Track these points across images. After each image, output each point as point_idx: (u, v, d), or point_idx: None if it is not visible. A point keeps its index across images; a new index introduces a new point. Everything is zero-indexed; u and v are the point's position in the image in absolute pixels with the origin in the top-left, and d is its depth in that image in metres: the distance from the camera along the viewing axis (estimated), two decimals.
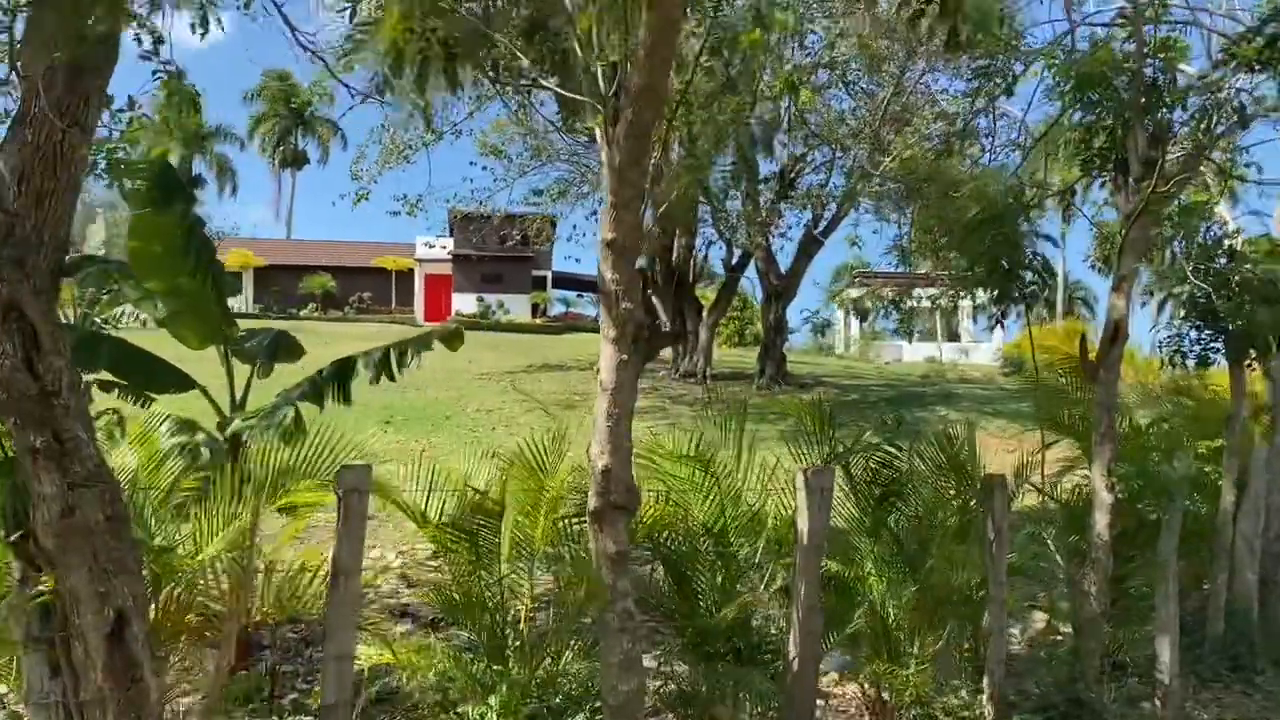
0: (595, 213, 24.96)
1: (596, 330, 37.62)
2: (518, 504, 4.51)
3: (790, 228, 22.28)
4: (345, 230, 63.07)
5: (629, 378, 3.84)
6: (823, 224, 20.82)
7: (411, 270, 46.76)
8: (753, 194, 20.94)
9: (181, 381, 5.71)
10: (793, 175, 21.59)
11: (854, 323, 42.82)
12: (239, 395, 6.02)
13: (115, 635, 2.86)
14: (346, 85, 6.80)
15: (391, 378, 5.97)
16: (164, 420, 5.49)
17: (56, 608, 2.92)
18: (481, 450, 5.76)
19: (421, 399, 19.54)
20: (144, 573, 3.22)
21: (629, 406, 3.87)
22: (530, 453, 4.75)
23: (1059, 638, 7.22)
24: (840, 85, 20.92)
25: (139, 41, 5.04)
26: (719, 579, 4.96)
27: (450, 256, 44.51)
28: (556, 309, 49.03)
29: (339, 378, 5.91)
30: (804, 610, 4.59)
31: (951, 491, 5.80)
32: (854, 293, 34.31)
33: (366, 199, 22.34)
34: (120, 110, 6.60)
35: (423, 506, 4.87)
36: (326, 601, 3.50)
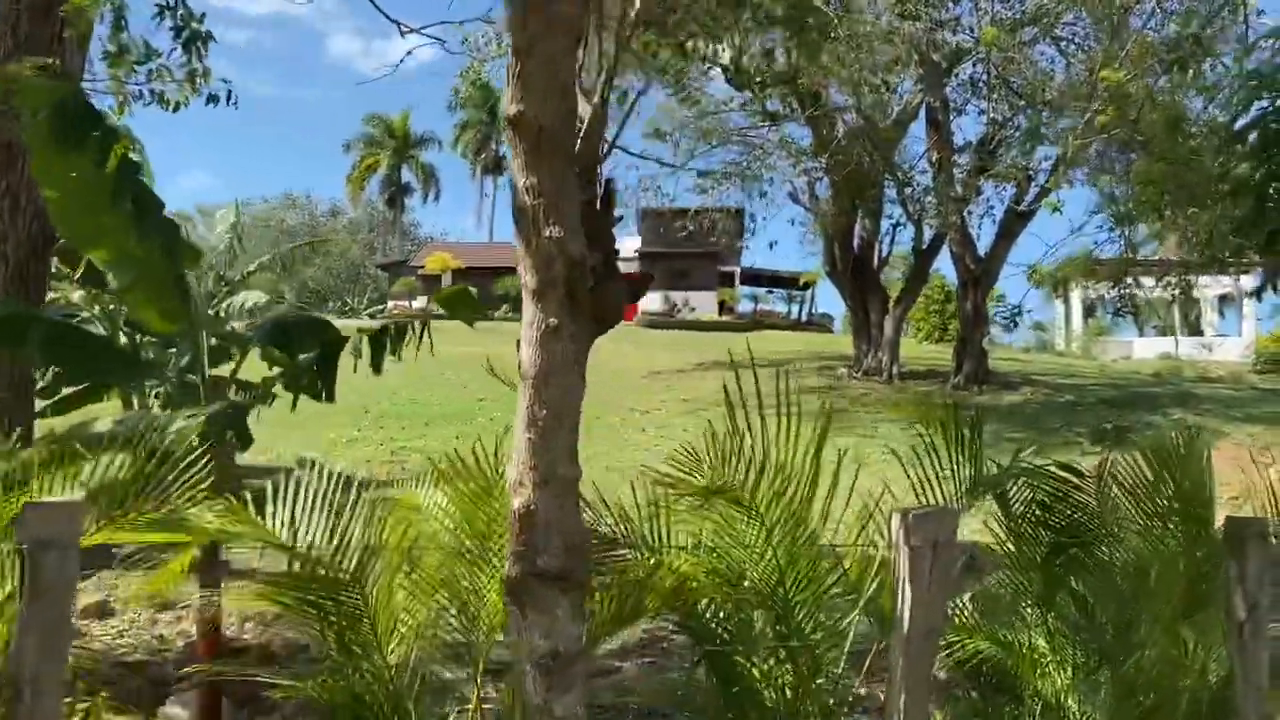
0: (784, 209, 23.14)
1: (786, 328, 35.75)
2: (449, 541, 3.02)
3: (991, 206, 19.63)
4: None
5: (564, 357, 2.26)
6: (1029, 198, 17.99)
7: None
8: (945, 165, 18.46)
9: (130, 372, 4.61)
10: (994, 144, 18.90)
11: (1076, 316, 38.55)
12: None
13: None
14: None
15: (378, 369, 4.64)
16: None
17: None
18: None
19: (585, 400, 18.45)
20: None
21: (570, 404, 2.29)
22: (481, 458, 3.23)
23: None
24: (1049, 39, 18.13)
25: None
26: (782, 678, 3.22)
27: (636, 254, 43.77)
28: (745, 306, 47.34)
29: (322, 363, 4.62)
30: None
31: (1171, 538, 3.73)
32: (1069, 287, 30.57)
33: None
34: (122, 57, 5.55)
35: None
36: None
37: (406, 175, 63.93)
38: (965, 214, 18.73)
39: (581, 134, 2.34)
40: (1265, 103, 4.65)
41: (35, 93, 3.95)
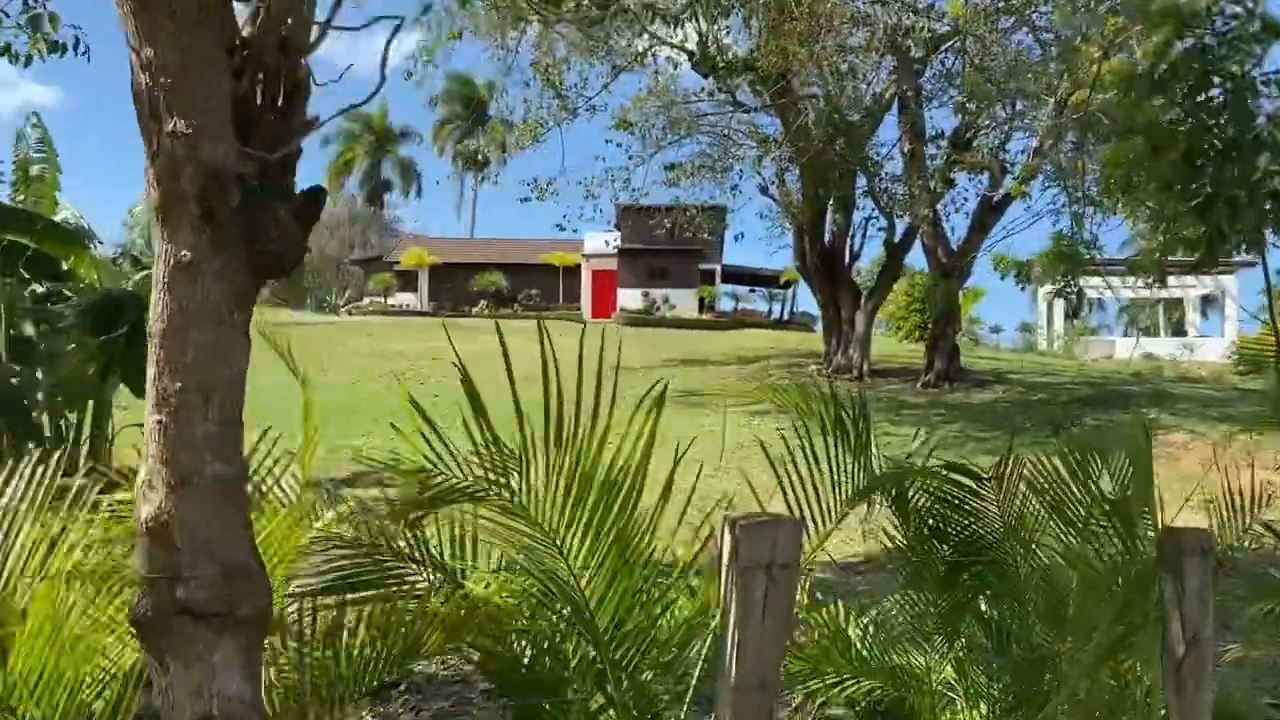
0: (765, 209, 22.51)
1: (766, 326, 35.17)
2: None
3: (966, 199, 19.02)
4: (525, 228, 63.57)
5: (205, 304, 1.59)
6: (1002, 190, 17.39)
7: (579, 266, 45.73)
8: (918, 155, 17.85)
9: None
10: (968, 134, 18.30)
11: (1058, 317, 38.03)
12: None
13: None
14: None
15: None
16: None
17: None
18: None
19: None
20: None
21: (220, 373, 1.62)
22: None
23: None
24: (1026, 28, 17.53)
25: None
26: None
27: (615, 251, 43.11)
28: (726, 304, 46.70)
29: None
30: None
31: (1099, 552, 3.07)
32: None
33: (542, 200, 21.02)
34: None
35: None
36: None
37: (387, 171, 63.17)
38: (937, 206, 18.14)
39: None
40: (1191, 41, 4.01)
41: None
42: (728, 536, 2.20)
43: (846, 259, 21.00)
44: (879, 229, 20.22)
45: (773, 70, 15.16)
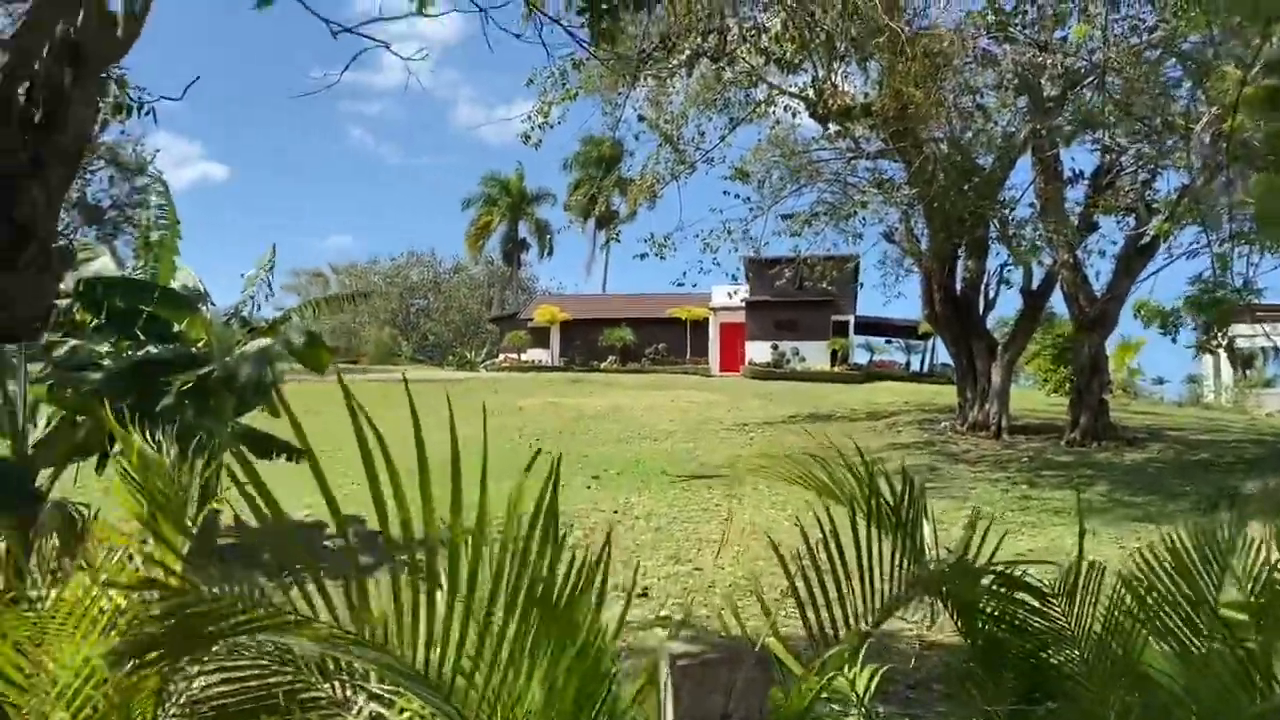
0: (883, 256, 21.72)
1: (903, 379, 33.78)
2: None
3: (1114, 241, 17.61)
4: (653, 283, 64.00)
5: None
6: (1150, 231, 16.00)
7: (706, 320, 45.37)
8: (1054, 198, 16.69)
9: None
10: (1110, 174, 17.03)
11: (1226, 367, 35.03)
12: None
13: None
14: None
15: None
16: None
17: None
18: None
19: (649, 450, 17.37)
20: None
21: None
22: None
23: None
24: (1175, 58, 16.23)
25: None
26: None
27: (743, 304, 42.56)
28: (860, 356, 45.27)
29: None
30: None
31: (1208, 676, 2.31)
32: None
33: (662, 257, 20.91)
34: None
35: None
36: None
37: (523, 231, 64.91)
38: (1078, 251, 16.87)
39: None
40: None
41: None
42: (667, 677, 1.66)
43: (980, 308, 19.80)
44: (1007, 273, 19.03)
45: (890, 114, 14.49)
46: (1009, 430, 18.33)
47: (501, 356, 49.65)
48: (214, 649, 2.16)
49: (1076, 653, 2.31)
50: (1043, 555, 8.77)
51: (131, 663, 1.63)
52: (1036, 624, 2.35)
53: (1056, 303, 20.87)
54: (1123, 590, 2.43)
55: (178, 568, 1.73)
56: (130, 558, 2.61)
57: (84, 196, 35.73)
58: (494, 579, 1.98)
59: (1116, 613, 2.31)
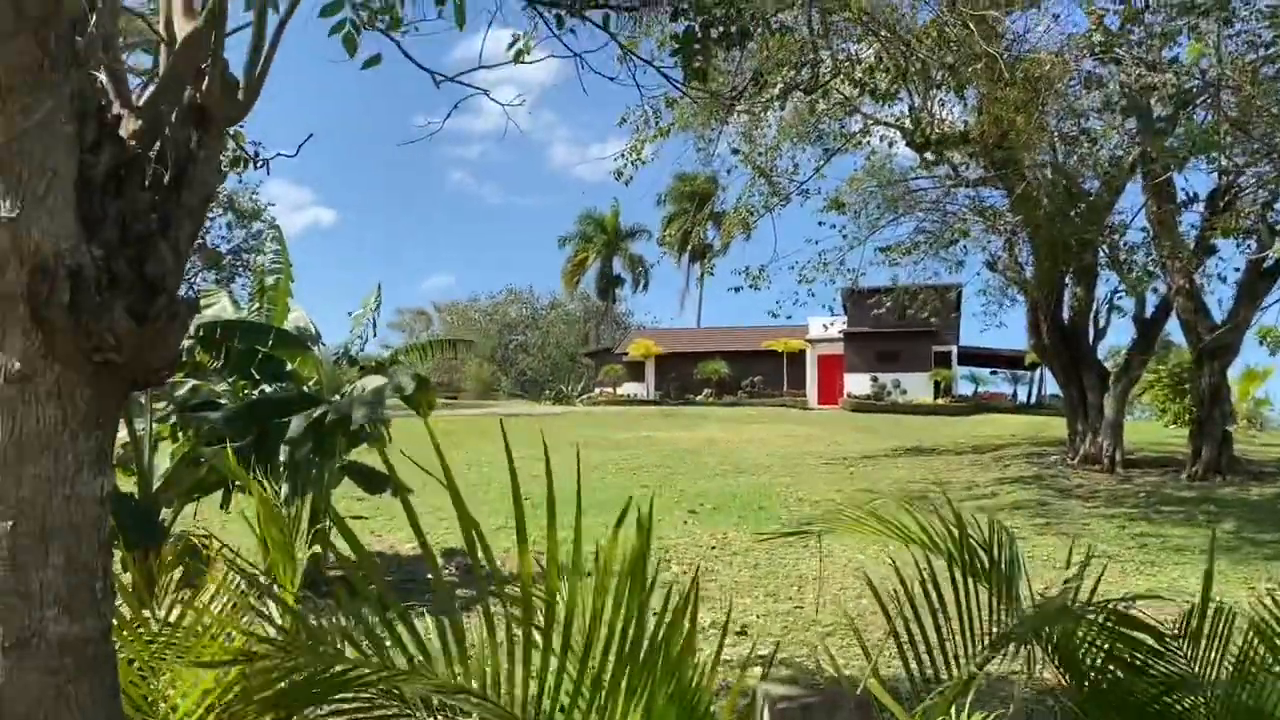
0: (985, 285, 21.23)
1: (1010, 411, 32.76)
2: None
3: (1235, 267, 16.79)
4: (748, 315, 63.75)
5: (43, 429, 1.29)
6: (1272, 254, 15.19)
7: (803, 352, 44.91)
8: (1167, 222, 16.03)
9: None
10: (1228, 195, 16.27)
11: None
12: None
13: None
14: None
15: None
16: None
17: None
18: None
19: (746, 484, 17.21)
20: None
21: (63, 514, 1.30)
22: None
23: None
24: None
25: None
26: None
27: (841, 335, 42.00)
28: (964, 388, 44.05)
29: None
30: None
31: None
32: None
33: (755, 288, 20.93)
34: None
35: None
36: None
37: (618, 267, 65.65)
38: (1195, 276, 16.13)
39: (175, 52, 1.43)
40: None
41: None
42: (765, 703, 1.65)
43: (1090, 336, 19.08)
44: (1118, 301, 18.30)
45: (989, 140, 14.19)
46: (1124, 464, 17.55)
47: (597, 390, 50.09)
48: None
49: (1201, 700, 2.18)
50: (1164, 596, 8.33)
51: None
52: (1156, 667, 2.23)
53: (1173, 330, 20.04)
54: (1254, 637, 2.30)
55: (290, 601, 1.81)
56: (245, 589, 2.72)
57: (204, 243, 37.71)
58: (590, 616, 2.00)
59: (1247, 661, 2.18)
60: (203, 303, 10.82)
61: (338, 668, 1.60)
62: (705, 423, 30.16)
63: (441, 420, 23.99)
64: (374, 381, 8.40)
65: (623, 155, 17.27)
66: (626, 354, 49.07)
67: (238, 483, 4.06)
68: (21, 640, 1.36)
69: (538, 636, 1.97)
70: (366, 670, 1.60)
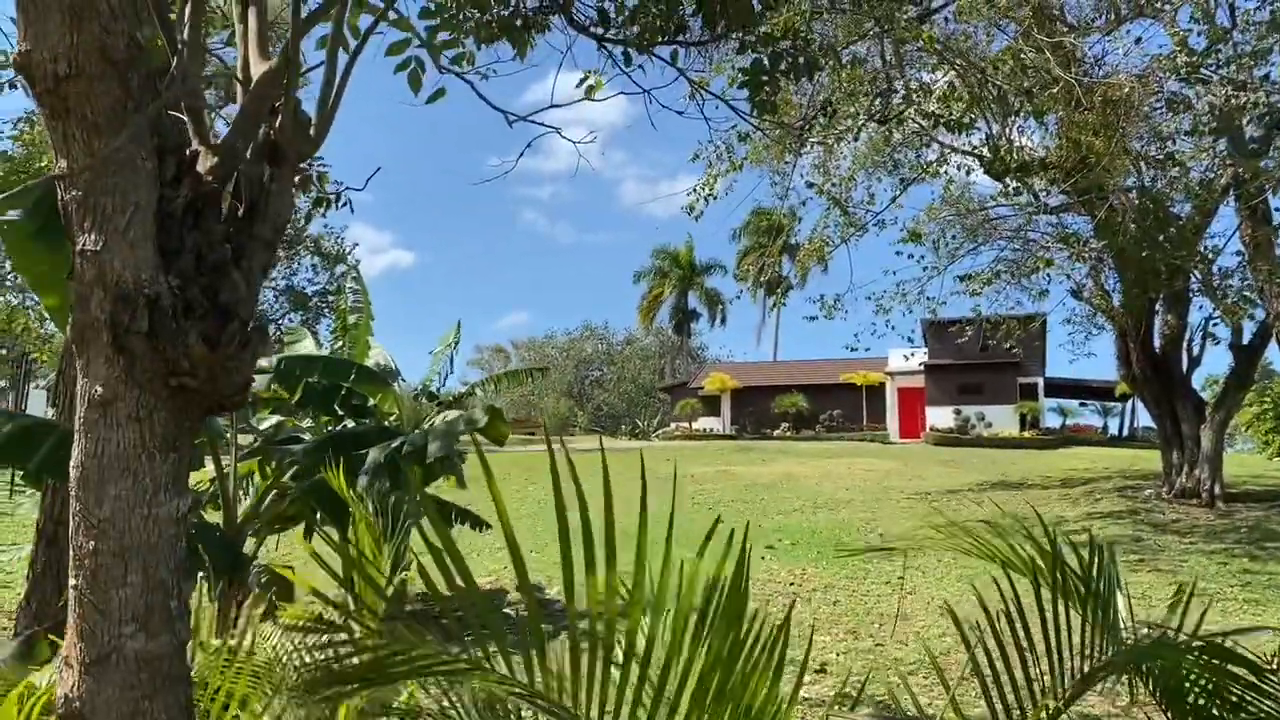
0: (1070, 314, 20.71)
1: (1100, 443, 31.65)
2: None
3: None
4: (826, 348, 63.14)
5: (124, 450, 1.35)
6: None
7: (883, 385, 44.18)
8: (1263, 245, 15.40)
9: None
10: None
11: None
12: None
13: None
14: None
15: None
16: None
17: None
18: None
19: (826, 520, 16.92)
20: None
21: (143, 532, 1.35)
22: None
23: None
24: None
25: None
26: None
27: (922, 367, 41.21)
28: (1051, 420, 42.78)
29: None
30: None
31: None
32: None
33: (830, 317, 20.82)
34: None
35: None
36: None
37: (693, 302, 65.74)
38: None
39: (248, 97, 1.50)
40: None
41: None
42: None
43: (1184, 365, 18.36)
44: (1213, 328, 17.58)
45: (1069, 166, 13.87)
46: (1224, 498, 16.76)
47: (673, 425, 50.00)
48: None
49: None
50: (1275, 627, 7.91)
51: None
52: (1255, 704, 2.10)
53: (1273, 357, 19.15)
54: None
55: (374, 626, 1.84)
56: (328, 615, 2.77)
57: (291, 284, 38.99)
58: (671, 649, 2.00)
59: None
60: (289, 340, 11.16)
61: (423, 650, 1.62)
62: (783, 457, 29.83)
63: (521, 455, 24.19)
64: (450, 415, 8.55)
65: (695, 190, 17.34)
66: (702, 388, 48.93)
67: (319, 514, 4.16)
68: (102, 656, 1.41)
69: (615, 673, 1.98)
70: (444, 660, 1.61)
